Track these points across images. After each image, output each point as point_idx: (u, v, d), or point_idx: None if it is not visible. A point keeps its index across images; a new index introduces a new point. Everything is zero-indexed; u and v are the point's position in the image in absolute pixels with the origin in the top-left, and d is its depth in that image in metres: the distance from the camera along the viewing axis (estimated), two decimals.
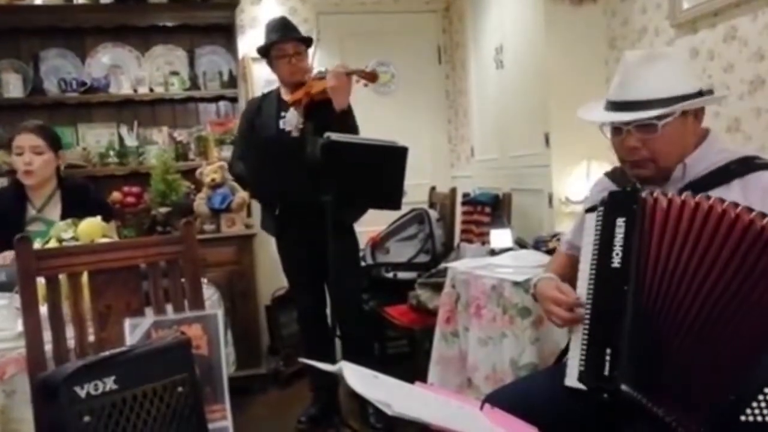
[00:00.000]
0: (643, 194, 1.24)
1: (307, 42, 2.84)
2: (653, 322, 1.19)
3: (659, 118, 1.32)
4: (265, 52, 2.81)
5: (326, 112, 2.60)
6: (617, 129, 1.40)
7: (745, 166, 1.31)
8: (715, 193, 1.22)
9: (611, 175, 1.59)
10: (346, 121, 2.60)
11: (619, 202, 1.27)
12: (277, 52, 2.76)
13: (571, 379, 1.26)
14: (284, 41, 2.75)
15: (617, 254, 1.23)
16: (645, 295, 1.20)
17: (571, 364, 1.27)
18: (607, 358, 1.19)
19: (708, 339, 1.13)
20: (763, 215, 1.13)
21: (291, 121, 2.72)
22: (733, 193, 1.27)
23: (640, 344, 1.18)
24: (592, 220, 1.31)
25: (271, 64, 2.82)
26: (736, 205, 1.16)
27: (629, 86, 1.37)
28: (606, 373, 1.19)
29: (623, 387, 1.17)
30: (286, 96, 2.82)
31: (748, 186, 1.28)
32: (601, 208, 1.29)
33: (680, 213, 1.19)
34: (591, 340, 1.24)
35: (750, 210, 1.14)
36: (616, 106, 1.38)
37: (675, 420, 1.13)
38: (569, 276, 1.49)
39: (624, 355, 1.18)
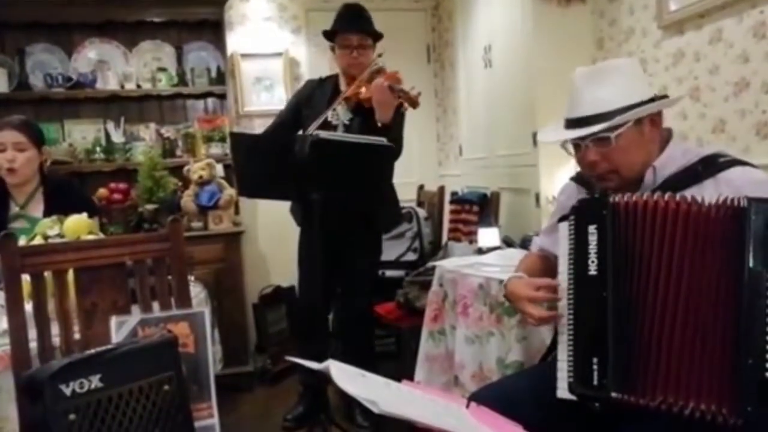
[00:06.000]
0: (611, 199, 1.25)
1: (376, 36, 2.78)
2: (636, 323, 1.19)
3: (610, 129, 1.34)
4: (330, 36, 2.76)
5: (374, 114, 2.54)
6: (577, 145, 1.42)
7: (712, 166, 1.33)
8: (689, 193, 1.23)
9: (577, 179, 1.61)
10: (386, 135, 2.34)
11: (589, 209, 1.28)
12: (341, 40, 2.72)
13: (562, 392, 1.26)
14: (350, 32, 2.69)
15: (593, 262, 1.23)
16: (624, 299, 1.20)
17: (560, 377, 1.27)
18: (595, 367, 1.20)
19: (691, 326, 1.15)
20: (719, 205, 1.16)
21: (340, 114, 2.70)
22: (706, 192, 1.28)
23: (625, 348, 1.19)
24: (565, 229, 1.31)
25: (333, 49, 2.78)
26: (696, 199, 1.18)
27: (579, 103, 1.39)
28: (595, 382, 1.19)
29: (613, 394, 1.17)
30: (343, 86, 2.78)
31: (719, 184, 1.30)
32: (572, 217, 1.29)
33: (653, 213, 1.20)
34: (577, 350, 1.24)
35: (703, 202, 1.17)
36: (570, 123, 1.42)
37: (683, 405, 1.13)
38: (539, 275, 1.51)
39: (611, 361, 1.18)
